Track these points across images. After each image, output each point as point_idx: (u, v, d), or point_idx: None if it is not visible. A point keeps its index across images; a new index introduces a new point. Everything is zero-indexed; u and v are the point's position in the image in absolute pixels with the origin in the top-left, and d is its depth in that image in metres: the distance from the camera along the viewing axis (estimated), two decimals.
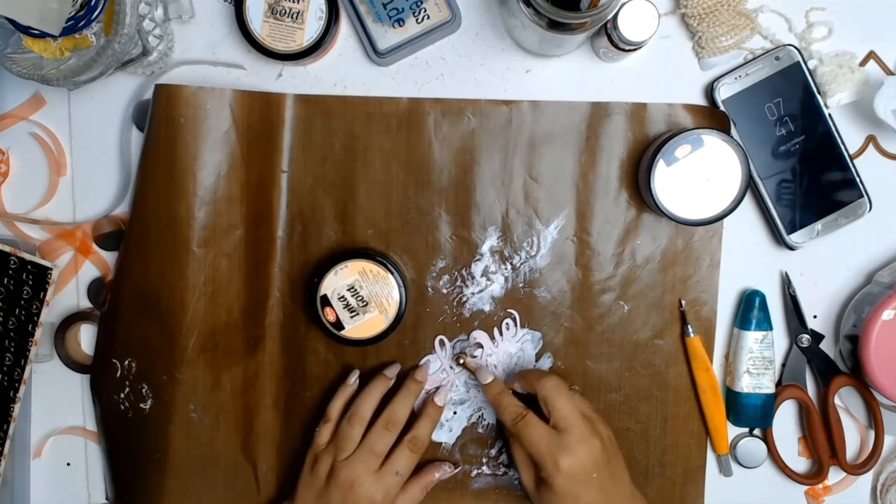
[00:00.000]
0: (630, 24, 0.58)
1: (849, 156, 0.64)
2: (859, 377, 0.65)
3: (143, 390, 0.65)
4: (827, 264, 0.66)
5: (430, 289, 0.66)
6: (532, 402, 0.61)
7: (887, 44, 0.65)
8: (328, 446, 0.63)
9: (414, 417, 0.65)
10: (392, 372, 0.65)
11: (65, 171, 0.68)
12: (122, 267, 0.65)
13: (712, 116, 0.64)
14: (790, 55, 0.63)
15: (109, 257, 0.68)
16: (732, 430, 0.68)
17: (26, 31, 0.57)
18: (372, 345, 0.64)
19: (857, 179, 0.64)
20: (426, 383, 0.67)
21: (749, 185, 0.61)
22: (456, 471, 0.67)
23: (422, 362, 0.67)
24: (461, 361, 0.66)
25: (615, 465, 0.59)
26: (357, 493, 0.61)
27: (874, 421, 0.67)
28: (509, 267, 0.66)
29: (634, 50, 0.61)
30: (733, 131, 0.63)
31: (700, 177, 0.60)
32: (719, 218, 0.60)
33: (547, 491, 0.58)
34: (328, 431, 0.64)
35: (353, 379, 0.66)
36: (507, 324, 0.67)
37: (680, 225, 0.64)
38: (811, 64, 0.64)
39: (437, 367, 0.67)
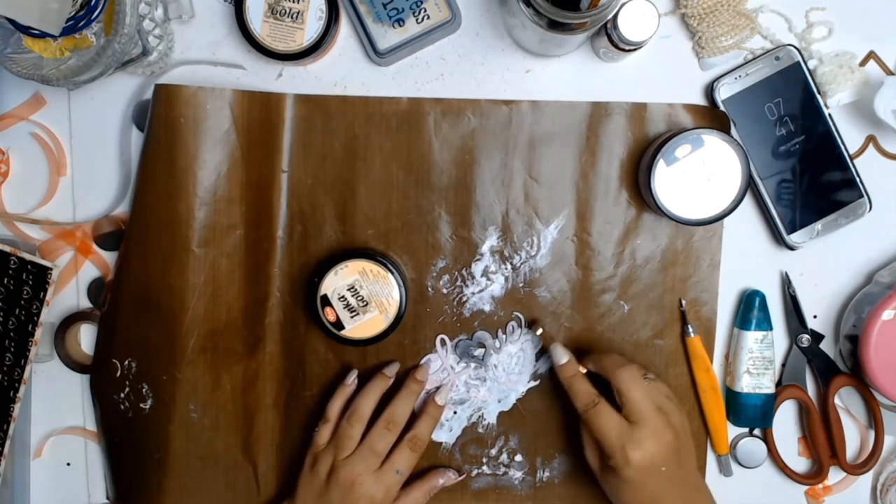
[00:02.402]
0: (630, 24, 0.58)
1: (849, 156, 0.64)
2: (859, 377, 0.65)
3: (143, 390, 0.65)
4: (827, 264, 0.66)
5: (430, 289, 0.66)
6: (603, 382, 0.60)
7: (887, 44, 0.65)
8: (328, 446, 0.63)
9: (414, 417, 0.65)
10: (391, 371, 0.65)
11: (65, 171, 0.68)
12: (122, 267, 0.65)
13: (712, 116, 0.64)
14: (790, 55, 0.63)
15: (109, 257, 0.68)
16: (732, 430, 0.68)
17: (26, 31, 0.57)
18: (372, 345, 0.64)
19: (857, 179, 0.64)
20: (426, 383, 0.67)
21: (749, 185, 0.61)
22: (460, 478, 0.67)
23: (422, 361, 0.67)
24: (538, 331, 0.65)
25: (685, 455, 0.59)
26: (357, 492, 0.61)
27: (874, 421, 0.67)
28: (509, 267, 0.66)
29: (634, 50, 0.61)
30: (733, 131, 0.64)
31: (700, 177, 0.60)
32: (719, 218, 0.60)
33: (614, 477, 0.58)
34: (327, 431, 0.64)
35: (352, 379, 0.66)
36: (511, 326, 0.67)
37: (680, 225, 0.64)
38: (811, 64, 0.64)
39: (438, 366, 0.67)
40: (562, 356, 0.63)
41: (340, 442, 0.62)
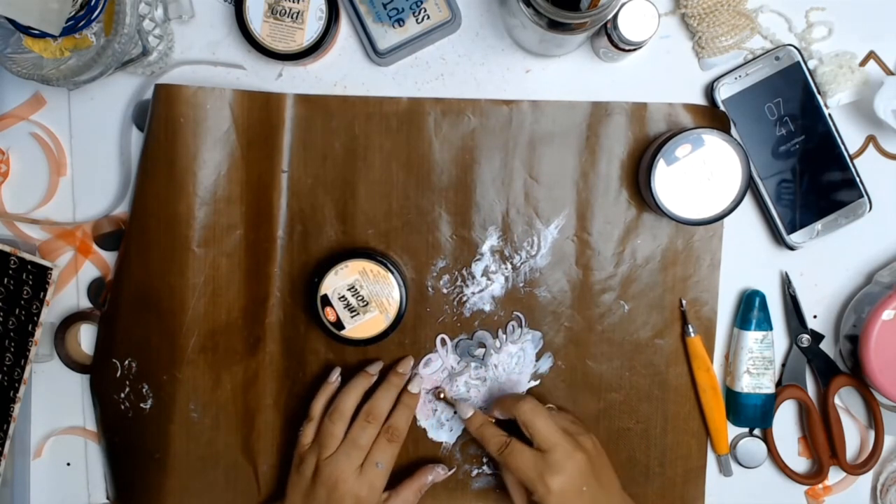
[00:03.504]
0: (630, 24, 0.58)
1: (849, 156, 0.64)
2: (859, 377, 0.65)
3: (144, 390, 0.65)
4: (827, 264, 0.67)
5: (430, 288, 0.66)
6: (515, 427, 0.61)
7: (887, 44, 0.65)
8: (312, 445, 0.63)
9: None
10: (374, 369, 0.65)
11: (65, 171, 0.68)
12: (122, 267, 0.65)
13: (712, 116, 0.64)
14: (790, 55, 0.63)
15: (109, 257, 0.68)
16: (732, 430, 0.68)
17: (26, 31, 0.57)
18: (372, 344, 0.64)
19: (857, 179, 0.64)
20: (426, 382, 0.67)
21: (749, 184, 0.61)
22: (449, 473, 0.67)
23: (423, 360, 0.67)
24: (441, 396, 0.67)
25: (603, 473, 0.60)
26: (341, 490, 0.61)
27: (874, 421, 0.67)
28: (510, 266, 0.66)
29: (634, 50, 0.61)
30: (733, 131, 0.64)
31: (700, 176, 0.60)
32: (719, 217, 0.60)
33: None
34: (311, 430, 0.64)
35: (335, 377, 0.65)
36: (511, 326, 0.67)
37: (680, 224, 0.64)
38: (811, 64, 0.64)
39: (438, 365, 0.67)
40: (467, 410, 0.64)
41: (323, 440, 0.62)
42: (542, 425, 0.59)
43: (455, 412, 0.66)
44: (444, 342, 0.67)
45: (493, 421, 0.63)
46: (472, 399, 0.68)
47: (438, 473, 0.66)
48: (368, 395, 0.65)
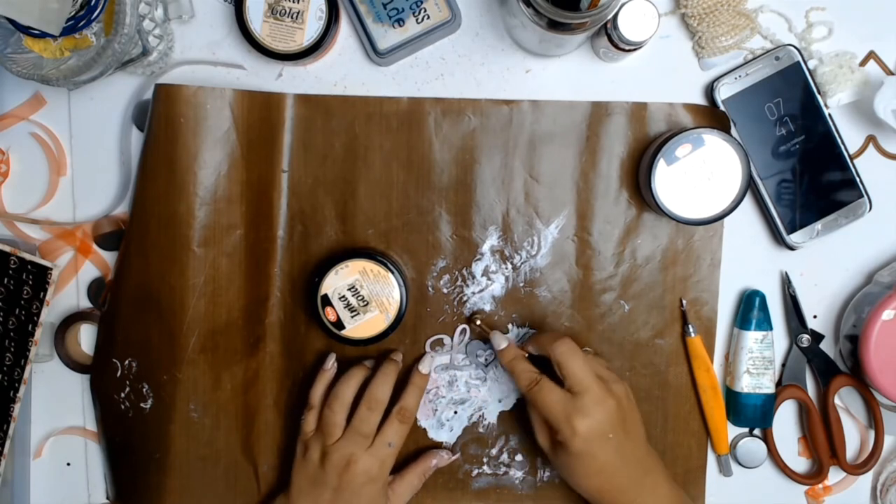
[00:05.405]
0: (630, 24, 0.58)
1: (849, 156, 0.64)
2: (859, 377, 0.65)
3: (144, 390, 0.65)
4: (827, 264, 0.67)
5: (430, 288, 0.66)
6: (546, 364, 0.61)
7: (887, 44, 0.65)
8: (316, 432, 0.63)
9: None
10: (370, 363, 0.66)
11: (65, 171, 0.68)
12: (122, 267, 0.65)
13: (712, 116, 0.64)
14: (790, 55, 0.63)
15: (109, 257, 0.68)
16: (732, 430, 0.68)
17: (26, 31, 0.57)
18: (373, 344, 0.64)
19: (857, 179, 0.64)
20: (429, 382, 0.67)
21: (749, 184, 0.61)
22: (454, 458, 0.67)
23: (431, 340, 0.67)
24: (477, 323, 0.66)
25: (631, 424, 0.60)
26: (353, 470, 0.61)
27: (874, 421, 0.67)
28: (510, 266, 0.66)
29: (634, 50, 0.61)
30: (733, 131, 0.64)
31: (700, 176, 0.60)
32: (720, 217, 0.60)
33: (563, 452, 0.59)
34: (313, 418, 0.64)
35: (331, 363, 0.65)
36: (515, 328, 0.67)
37: (680, 224, 0.64)
38: (811, 64, 0.64)
39: (448, 347, 0.67)
40: (501, 342, 0.63)
41: (326, 429, 0.62)
42: (576, 367, 0.59)
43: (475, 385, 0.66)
44: (463, 332, 0.66)
45: (526, 356, 0.63)
46: (472, 399, 0.68)
47: (443, 458, 0.67)
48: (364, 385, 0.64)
